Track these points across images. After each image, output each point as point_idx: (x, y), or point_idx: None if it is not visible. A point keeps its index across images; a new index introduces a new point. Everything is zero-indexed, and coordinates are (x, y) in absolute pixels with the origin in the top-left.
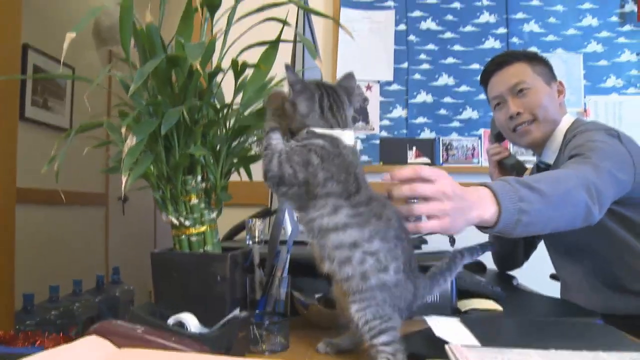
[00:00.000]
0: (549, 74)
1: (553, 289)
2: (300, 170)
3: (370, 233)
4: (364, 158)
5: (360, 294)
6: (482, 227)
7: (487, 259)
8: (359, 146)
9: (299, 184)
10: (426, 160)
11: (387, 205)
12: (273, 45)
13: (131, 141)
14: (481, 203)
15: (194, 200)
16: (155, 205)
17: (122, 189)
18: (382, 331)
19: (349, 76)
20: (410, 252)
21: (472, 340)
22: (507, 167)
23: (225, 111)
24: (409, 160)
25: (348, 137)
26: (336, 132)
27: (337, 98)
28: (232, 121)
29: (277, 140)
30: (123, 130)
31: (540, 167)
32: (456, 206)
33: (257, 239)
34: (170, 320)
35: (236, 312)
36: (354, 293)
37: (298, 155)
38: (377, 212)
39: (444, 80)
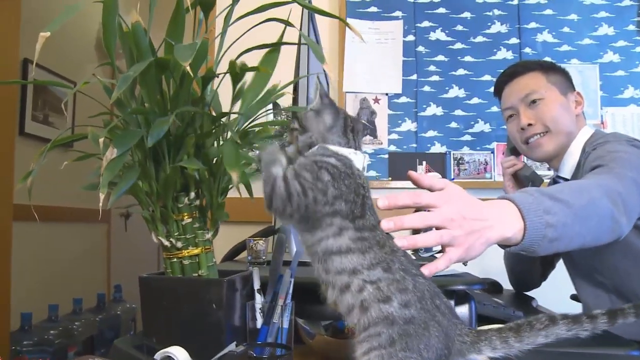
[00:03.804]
0: (565, 83)
1: (574, 311)
2: (309, 187)
3: (371, 261)
4: (372, 173)
5: (365, 331)
6: (503, 245)
7: (503, 278)
8: (367, 161)
9: (307, 203)
10: (437, 175)
11: (385, 244)
12: (275, 48)
13: (111, 154)
14: (502, 220)
15: (187, 219)
16: None
17: (100, 206)
18: None
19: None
20: (430, 290)
21: None
22: (523, 180)
23: (222, 120)
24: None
25: (359, 160)
26: (350, 153)
27: (356, 124)
28: (231, 132)
29: (279, 163)
30: (101, 141)
31: (557, 183)
32: (469, 230)
33: (258, 261)
34: (157, 356)
35: (232, 346)
36: (359, 332)
37: (308, 171)
38: (381, 241)
39: (455, 92)
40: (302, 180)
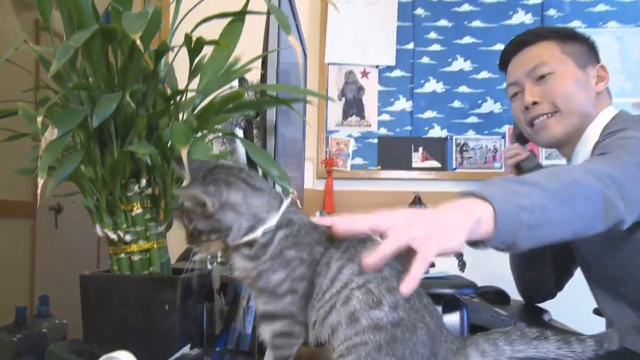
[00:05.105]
0: (584, 54)
1: (598, 328)
2: (296, 286)
3: (359, 265)
4: (358, 161)
5: (348, 340)
6: (477, 244)
7: (512, 288)
8: (353, 146)
9: (309, 291)
10: (435, 164)
11: (366, 240)
12: (238, 18)
13: (51, 134)
14: (466, 207)
15: (137, 209)
16: None
17: (38, 195)
18: None
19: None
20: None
21: None
22: (526, 172)
23: (177, 99)
24: (414, 165)
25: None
26: (282, 207)
27: (249, 169)
28: (187, 112)
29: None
30: (39, 120)
31: None
32: (432, 217)
33: (219, 258)
34: None
35: (185, 349)
36: (339, 344)
37: (279, 271)
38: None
39: (459, 64)
40: (284, 288)
